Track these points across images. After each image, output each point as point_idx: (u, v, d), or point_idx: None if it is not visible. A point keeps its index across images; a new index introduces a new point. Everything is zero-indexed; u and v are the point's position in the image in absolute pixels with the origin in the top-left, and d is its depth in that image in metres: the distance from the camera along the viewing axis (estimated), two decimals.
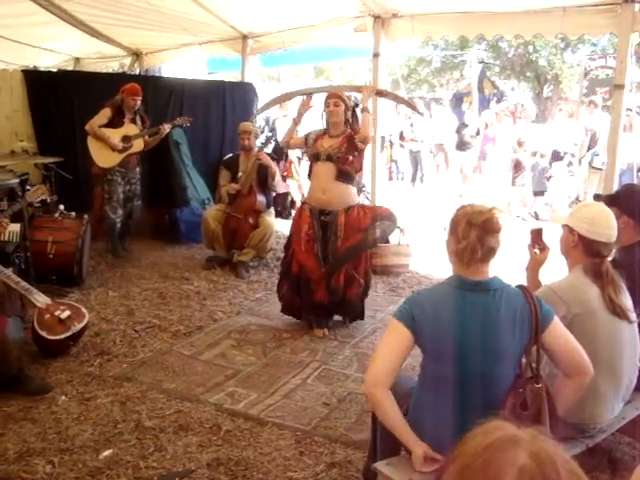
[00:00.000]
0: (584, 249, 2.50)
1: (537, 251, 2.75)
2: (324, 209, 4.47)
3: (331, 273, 4.46)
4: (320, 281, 4.48)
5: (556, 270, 2.83)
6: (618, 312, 2.45)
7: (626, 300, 2.50)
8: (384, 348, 2.19)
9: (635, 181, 6.70)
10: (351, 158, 4.42)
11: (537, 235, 2.76)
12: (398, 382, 2.47)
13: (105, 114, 5.90)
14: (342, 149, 4.42)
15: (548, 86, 22.39)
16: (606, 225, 2.49)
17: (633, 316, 2.50)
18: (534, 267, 2.75)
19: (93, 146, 5.92)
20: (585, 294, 2.46)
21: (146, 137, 6.14)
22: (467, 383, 2.05)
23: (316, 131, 4.66)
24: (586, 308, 2.43)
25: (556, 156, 9.82)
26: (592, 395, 2.44)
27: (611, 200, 2.85)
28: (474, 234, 2.07)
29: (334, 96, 4.52)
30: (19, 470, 2.79)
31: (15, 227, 4.79)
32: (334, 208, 4.45)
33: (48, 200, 5.62)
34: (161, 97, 7.40)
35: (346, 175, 4.45)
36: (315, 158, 4.53)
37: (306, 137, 4.69)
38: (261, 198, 6.09)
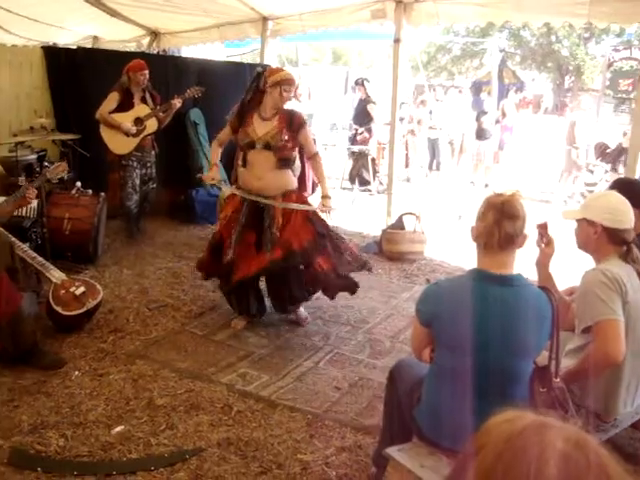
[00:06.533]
0: (609, 239, 2.46)
1: (543, 245, 2.72)
2: (260, 194, 4.08)
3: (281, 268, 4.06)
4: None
5: (563, 263, 2.79)
6: None
7: None
8: (412, 339, 2.40)
9: None
10: (290, 145, 4.03)
11: (544, 229, 2.73)
12: (409, 369, 2.47)
13: (113, 98, 5.76)
14: (282, 136, 3.98)
15: (569, 77, 22.15)
16: (626, 211, 2.46)
17: None
18: (544, 261, 2.72)
19: (107, 134, 5.82)
20: (635, 281, 2.42)
21: (160, 114, 5.99)
22: (486, 376, 2.01)
23: (234, 111, 4.20)
24: (636, 296, 2.40)
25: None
26: (616, 384, 2.43)
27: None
28: (491, 216, 2.02)
29: (289, 82, 3.99)
30: (33, 442, 2.83)
31: (33, 202, 4.81)
32: (270, 194, 4.07)
33: (65, 177, 5.63)
34: (180, 77, 7.36)
35: (286, 161, 4.09)
36: (249, 147, 4.03)
37: (231, 123, 4.21)
38: None
